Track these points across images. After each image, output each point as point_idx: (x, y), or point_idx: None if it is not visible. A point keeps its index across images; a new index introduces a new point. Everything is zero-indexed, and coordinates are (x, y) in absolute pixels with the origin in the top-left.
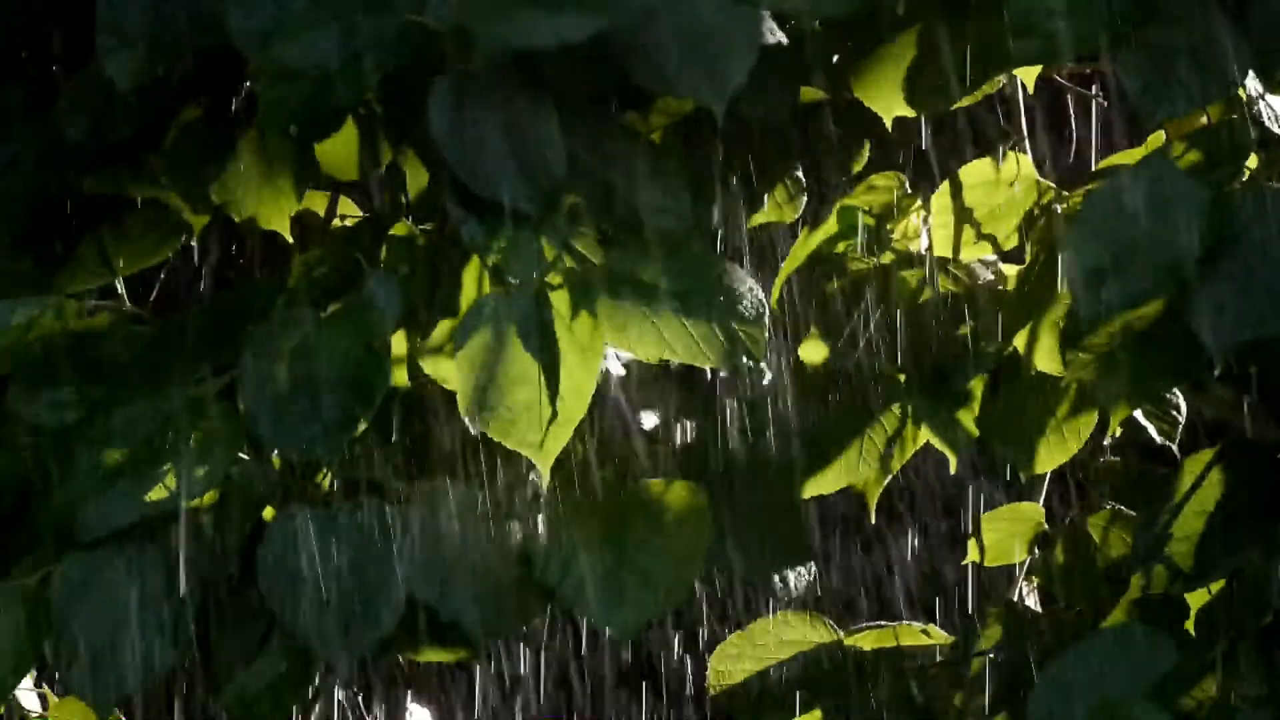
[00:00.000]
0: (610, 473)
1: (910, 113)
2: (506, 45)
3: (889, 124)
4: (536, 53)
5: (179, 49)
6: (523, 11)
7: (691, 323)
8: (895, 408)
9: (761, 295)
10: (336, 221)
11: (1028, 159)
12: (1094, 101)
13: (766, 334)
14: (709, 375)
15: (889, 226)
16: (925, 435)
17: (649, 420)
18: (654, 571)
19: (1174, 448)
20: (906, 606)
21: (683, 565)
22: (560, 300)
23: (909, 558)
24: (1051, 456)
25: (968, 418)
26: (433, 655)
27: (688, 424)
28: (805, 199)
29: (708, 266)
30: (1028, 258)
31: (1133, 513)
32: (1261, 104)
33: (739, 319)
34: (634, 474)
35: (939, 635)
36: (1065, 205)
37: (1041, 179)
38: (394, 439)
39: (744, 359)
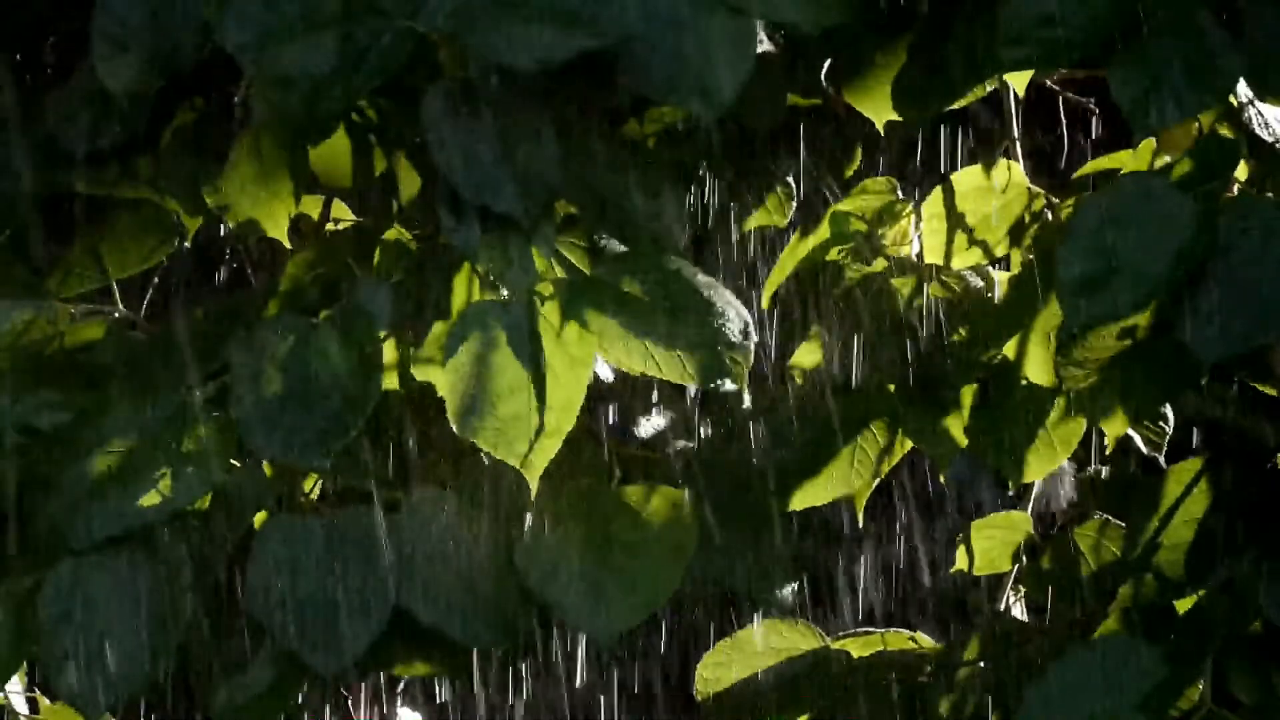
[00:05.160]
0: (597, 477)
1: (901, 118)
2: (497, 59)
3: (880, 129)
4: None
5: (176, 58)
6: (514, 25)
7: (678, 343)
8: (888, 415)
9: (749, 318)
10: (330, 225)
11: (1019, 165)
12: (1086, 107)
13: (751, 359)
14: None
15: (881, 232)
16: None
17: (638, 424)
18: (637, 575)
19: (1160, 459)
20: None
21: (666, 569)
22: (550, 311)
23: (899, 560)
24: (1040, 465)
25: (957, 426)
26: (419, 669)
27: (678, 429)
28: (795, 204)
29: (696, 288)
30: (1014, 266)
31: (1120, 522)
32: (1252, 112)
33: (724, 342)
34: (621, 479)
35: (927, 642)
36: (1054, 213)
37: (1032, 186)
38: (384, 446)
39: (727, 381)
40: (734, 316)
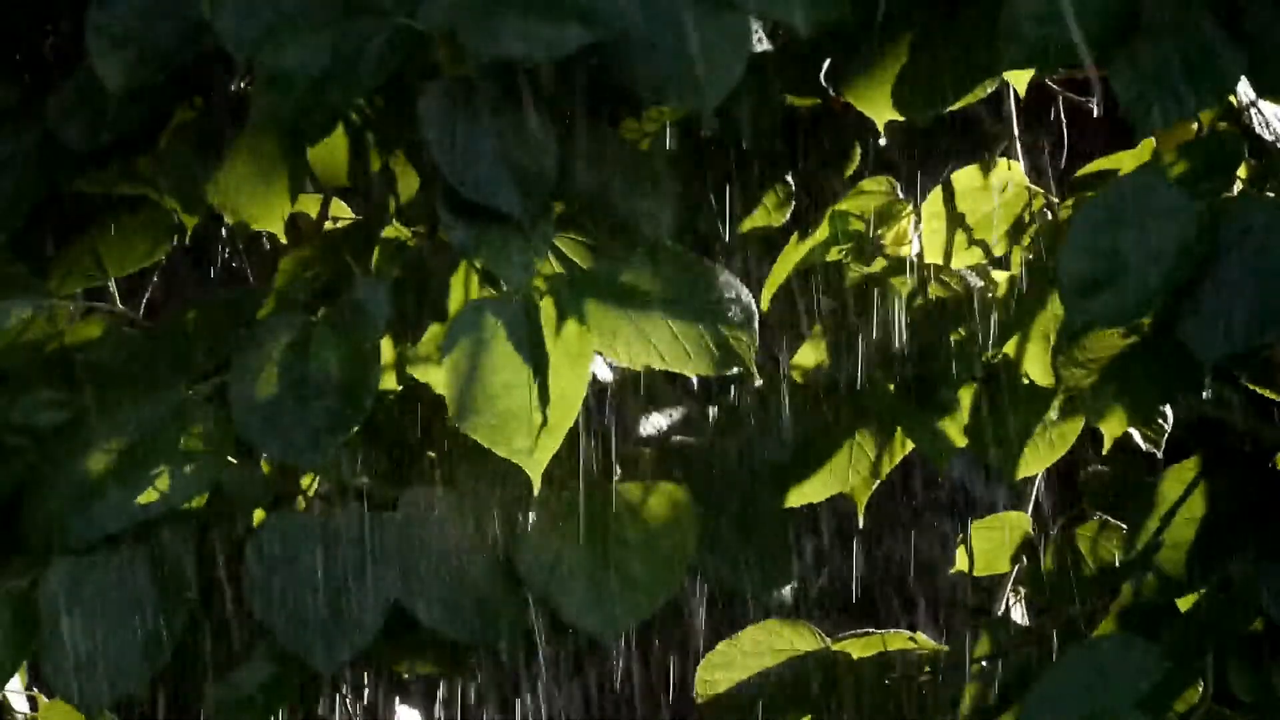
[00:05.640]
0: (597, 474)
1: (901, 117)
2: (494, 55)
3: (880, 129)
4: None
5: (170, 53)
6: (512, 21)
7: (680, 330)
8: (886, 414)
9: (752, 301)
10: (329, 224)
11: (1019, 165)
12: (1087, 105)
13: (756, 340)
14: (699, 379)
15: (880, 232)
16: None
17: (638, 422)
18: (638, 572)
19: (1159, 455)
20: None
21: (667, 566)
22: (549, 306)
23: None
24: (1037, 460)
25: (955, 426)
26: (418, 667)
27: (677, 427)
28: (793, 204)
29: (697, 273)
30: (1013, 266)
31: (1119, 522)
32: (1252, 111)
33: (728, 325)
34: (621, 476)
35: (927, 643)
36: (1054, 213)
37: (1032, 185)
38: (382, 444)
39: (733, 367)
40: (736, 296)
